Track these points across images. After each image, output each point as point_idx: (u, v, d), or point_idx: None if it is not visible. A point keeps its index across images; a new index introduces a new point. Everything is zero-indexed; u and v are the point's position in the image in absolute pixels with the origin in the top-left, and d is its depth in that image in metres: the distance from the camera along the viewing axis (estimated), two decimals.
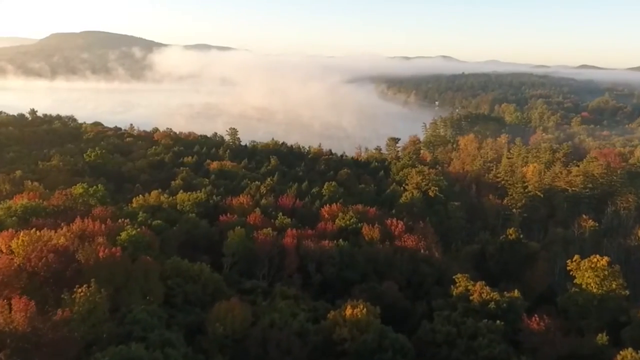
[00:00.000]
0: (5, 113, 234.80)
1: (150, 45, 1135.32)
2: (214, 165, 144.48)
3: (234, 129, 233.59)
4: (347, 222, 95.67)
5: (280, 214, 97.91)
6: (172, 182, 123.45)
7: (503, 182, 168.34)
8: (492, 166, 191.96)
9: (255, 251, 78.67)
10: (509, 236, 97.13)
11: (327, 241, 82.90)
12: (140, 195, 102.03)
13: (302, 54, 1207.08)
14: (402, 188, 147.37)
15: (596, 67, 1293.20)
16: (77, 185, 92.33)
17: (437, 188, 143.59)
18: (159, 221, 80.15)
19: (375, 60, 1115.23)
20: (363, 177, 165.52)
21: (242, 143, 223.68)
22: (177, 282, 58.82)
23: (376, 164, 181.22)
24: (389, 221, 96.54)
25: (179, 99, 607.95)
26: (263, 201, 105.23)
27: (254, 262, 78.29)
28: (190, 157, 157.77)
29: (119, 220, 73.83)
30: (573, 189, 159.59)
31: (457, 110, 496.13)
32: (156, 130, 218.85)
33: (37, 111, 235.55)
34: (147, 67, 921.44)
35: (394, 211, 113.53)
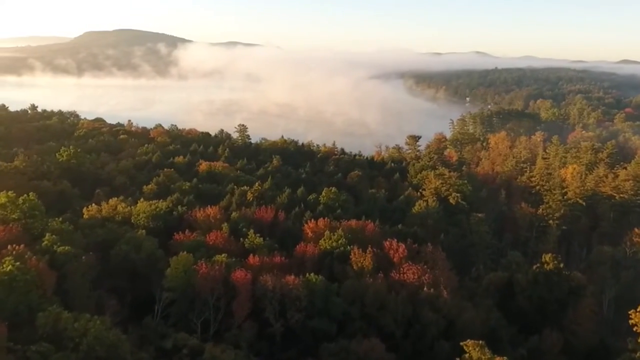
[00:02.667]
0: (7, 107, 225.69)
1: (177, 42, 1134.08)
2: (203, 166, 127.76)
3: (243, 125, 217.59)
4: (334, 243, 76.89)
5: (252, 231, 79.61)
6: (145, 186, 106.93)
7: (538, 186, 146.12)
8: (526, 167, 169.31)
9: (197, 288, 61.01)
10: (545, 265, 76.16)
11: (292, 276, 63.94)
12: (94, 205, 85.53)
13: (329, 49, 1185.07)
14: (418, 194, 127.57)
15: (638, 62, 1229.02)
16: (1, 194, 76.24)
17: (459, 194, 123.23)
18: (66, 247, 62.58)
19: (404, 55, 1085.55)
20: (377, 180, 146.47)
21: (252, 141, 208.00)
22: (41, 351, 41.00)
23: (392, 164, 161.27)
24: (388, 243, 77.03)
25: (201, 95, 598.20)
26: (233, 214, 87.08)
27: (194, 303, 60.61)
28: (181, 157, 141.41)
29: (9, 247, 57.01)
30: (621, 195, 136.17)
31: (488, 106, 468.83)
32: (159, 126, 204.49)
33: (37, 107, 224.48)
34: (173, 63, 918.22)
35: (400, 226, 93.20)
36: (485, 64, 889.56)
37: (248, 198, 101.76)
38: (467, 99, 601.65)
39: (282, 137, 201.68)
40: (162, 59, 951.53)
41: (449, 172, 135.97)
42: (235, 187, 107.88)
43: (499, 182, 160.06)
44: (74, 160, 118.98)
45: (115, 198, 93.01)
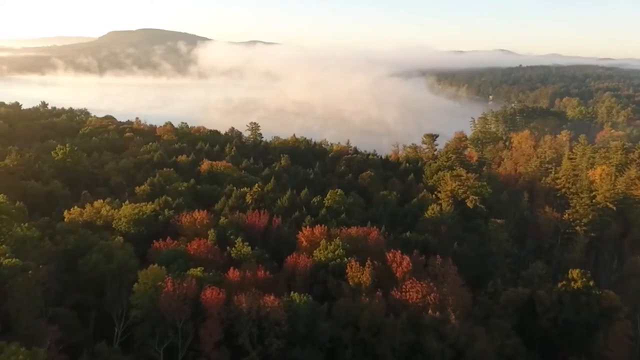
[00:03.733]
0: (20, 105, 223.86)
1: (197, 41, 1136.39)
2: (204, 165, 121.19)
3: (255, 123, 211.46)
4: (330, 254, 68.98)
5: (239, 240, 72.11)
6: (137, 187, 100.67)
7: (564, 189, 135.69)
8: (551, 168, 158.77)
9: (162, 310, 53.80)
10: (573, 282, 67.02)
11: (271, 296, 55.99)
12: (76, 207, 79.38)
13: (349, 47, 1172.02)
14: (433, 196, 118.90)
15: None
16: None
17: (477, 197, 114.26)
18: (13, 260, 55.26)
19: (426, 53, 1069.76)
20: (390, 181, 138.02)
21: (265, 139, 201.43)
22: None
23: (407, 165, 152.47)
24: (391, 255, 68.77)
25: (220, 94, 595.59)
26: (222, 220, 79.71)
27: (159, 326, 53.43)
28: (184, 156, 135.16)
29: None
30: None
31: (512, 104, 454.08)
32: (169, 123, 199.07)
33: (47, 104, 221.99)
34: (193, 61, 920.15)
35: (407, 234, 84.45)
36: (510, 62, 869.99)
37: (247, 200, 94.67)
38: (490, 97, 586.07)
39: (294, 135, 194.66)
40: (182, 57, 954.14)
41: (467, 173, 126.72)
42: (235, 188, 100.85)
43: (522, 183, 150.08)
44: (69, 159, 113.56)
45: (101, 200, 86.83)
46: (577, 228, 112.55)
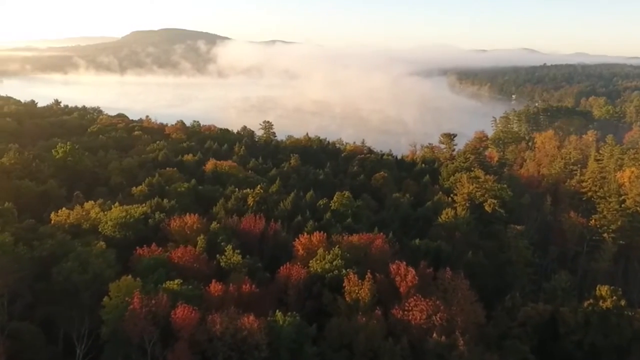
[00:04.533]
0: (36, 103, 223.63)
1: (217, 40, 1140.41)
2: (209, 165, 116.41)
3: (268, 122, 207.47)
4: (327, 265, 62.95)
5: (230, 247, 66.47)
6: (134, 188, 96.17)
7: (590, 192, 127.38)
8: (576, 170, 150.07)
9: (127, 329, 48.41)
10: (601, 301, 59.89)
11: (251, 316, 50.08)
12: (64, 209, 75.07)
13: (369, 46, 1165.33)
14: (449, 199, 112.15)
15: None
16: None
17: (496, 201, 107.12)
18: None
19: (447, 52, 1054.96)
20: (405, 183, 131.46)
21: (279, 138, 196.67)
22: None
23: (423, 165, 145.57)
24: (395, 266, 62.41)
25: (238, 92, 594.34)
26: (213, 225, 74.17)
27: (124, 348, 48.17)
28: (190, 155, 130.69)
29: None
30: None
31: (535, 103, 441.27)
32: (180, 122, 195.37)
33: (60, 102, 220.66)
34: (212, 60, 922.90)
35: (417, 241, 77.62)
36: (534, 61, 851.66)
37: (248, 203, 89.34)
38: (513, 96, 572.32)
39: (307, 134, 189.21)
40: (201, 56, 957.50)
41: (485, 174, 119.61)
42: (236, 189, 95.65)
43: (545, 186, 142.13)
44: (70, 157, 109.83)
45: (92, 201, 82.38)
46: (605, 235, 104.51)
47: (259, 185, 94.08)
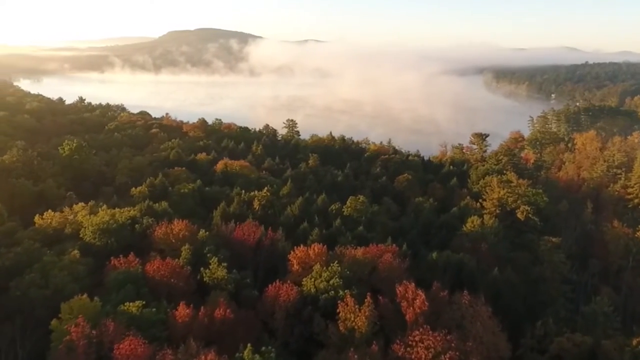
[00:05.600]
0: (64, 100, 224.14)
1: (249, 39, 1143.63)
2: (220, 165, 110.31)
3: (291, 120, 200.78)
4: (322, 284, 54.77)
5: (215, 259, 59.06)
6: (133, 189, 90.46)
7: (636, 199, 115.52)
8: (621, 174, 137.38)
9: None
10: None
11: (210, 354, 41.59)
12: (50, 211, 69.64)
13: (403, 44, 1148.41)
14: (478, 204, 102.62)
15: None
16: None
17: (529, 207, 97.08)
18: None
19: (484, 50, 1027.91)
20: (431, 186, 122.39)
21: (303, 137, 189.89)
22: None
23: (451, 167, 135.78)
24: (402, 288, 53.63)
25: (269, 91, 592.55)
26: (201, 233, 67.02)
27: None
28: (204, 154, 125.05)
29: None
30: None
31: (577, 103, 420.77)
32: (202, 119, 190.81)
33: (84, 99, 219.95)
34: (244, 59, 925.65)
35: (434, 255, 68.31)
36: (575, 59, 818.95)
37: (254, 206, 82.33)
38: (553, 95, 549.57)
39: (330, 133, 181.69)
40: (234, 55, 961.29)
41: (518, 178, 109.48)
42: (243, 191, 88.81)
43: (585, 191, 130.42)
44: (76, 155, 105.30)
45: (82, 203, 76.94)
46: None
47: (265, 188, 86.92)
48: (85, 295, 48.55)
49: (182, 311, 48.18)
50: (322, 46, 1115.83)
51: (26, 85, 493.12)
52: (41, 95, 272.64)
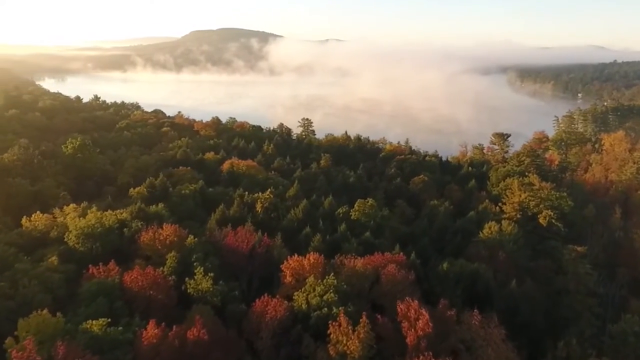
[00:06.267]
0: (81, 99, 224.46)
1: (270, 38, 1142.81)
2: (226, 164, 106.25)
3: (307, 119, 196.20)
4: (315, 299, 49.70)
5: (200, 269, 54.43)
6: (131, 189, 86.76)
7: None
8: None
9: None
10: None
11: None
12: (38, 213, 66.20)
13: (425, 44, 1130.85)
14: (497, 208, 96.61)
15: None
16: None
17: (553, 212, 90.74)
18: None
19: (508, 48, 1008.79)
20: (448, 188, 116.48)
21: (318, 137, 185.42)
22: None
23: (470, 169, 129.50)
24: (403, 306, 48.13)
25: (289, 90, 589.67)
26: (189, 240, 62.39)
27: None
28: (212, 154, 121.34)
29: None
30: None
31: (604, 102, 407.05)
32: (215, 119, 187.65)
33: (99, 97, 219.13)
34: (264, 58, 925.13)
35: (445, 265, 62.26)
36: (603, 58, 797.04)
37: (256, 209, 77.88)
38: (579, 94, 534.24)
39: (345, 133, 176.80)
40: (254, 54, 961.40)
41: (541, 181, 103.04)
42: (246, 193, 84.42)
43: (614, 194, 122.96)
44: (79, 154, 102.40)
45: (73, 204, 73.45)
46: None
47: (268, 190, 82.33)
48: (45, 311, 44.46)
49: (151, 331, 43.45)
50: (343, 45, 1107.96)
51: (50, 84, 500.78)
52: (60, 93, 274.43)
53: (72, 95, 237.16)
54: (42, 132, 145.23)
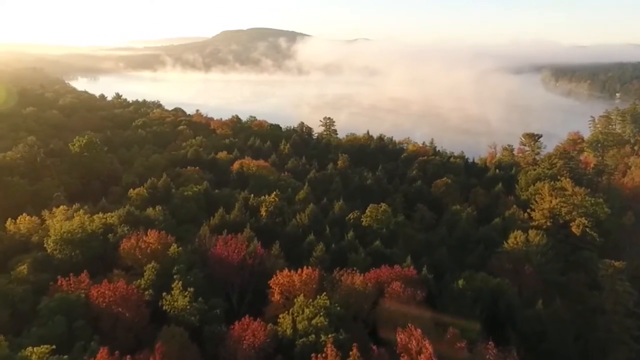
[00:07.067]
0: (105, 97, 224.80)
1: (298, 37, 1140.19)
2: (236, 165, 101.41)
3: (329, 118, 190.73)
4: (302, 324, 43.50)
5: (178, 284, 48.88)
6: (130, 190, 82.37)
7: None
8: None
9: None
10: None
11: None
12: (25, 215, 62.28)
13: (456, 42, 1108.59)
14: (525, 215, 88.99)
15: None
16: None
17: (587, 220, 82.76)
18: None
19: (543, 47, 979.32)
20: (473, 191, 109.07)
21: (340, 136, 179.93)
22: None
23: (497, 171, 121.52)
24: (403, 336, 40.87)
25: (315, 89, 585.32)
26: (173, 249, 56.77)
27: None
28: (225, 153, 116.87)
29: None
30: None
31: None
32: (235, 117, 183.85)
33: (121, 95, 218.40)
34: (292, 58, 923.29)
35: (460, 282, 54.51)
36: None
37: (260, 213, 72.58)
38: (617, 94, 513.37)
39: (367, 132, 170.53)
40: (281, 53, 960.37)
41: (575, 186, 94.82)
42: (252, 195, 79.19)
43: None
44: (86, 152, 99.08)
45: (63, 206, 69.38)
46: None
47: (274, 193, 76.75)
48: None
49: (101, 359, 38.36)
50: (371, 44, 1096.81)
51: (83, 83, 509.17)
52: (86, 92, 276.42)
53: (102, 93, 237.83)
54: (57, 130, 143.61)
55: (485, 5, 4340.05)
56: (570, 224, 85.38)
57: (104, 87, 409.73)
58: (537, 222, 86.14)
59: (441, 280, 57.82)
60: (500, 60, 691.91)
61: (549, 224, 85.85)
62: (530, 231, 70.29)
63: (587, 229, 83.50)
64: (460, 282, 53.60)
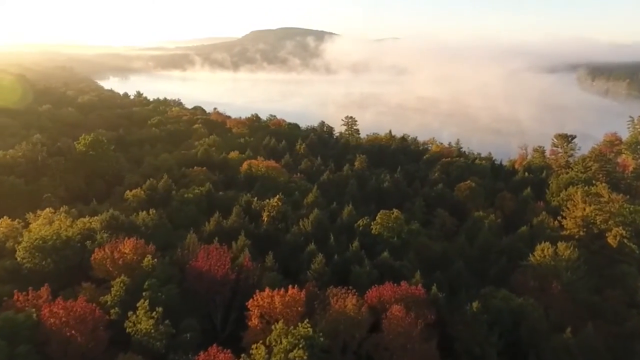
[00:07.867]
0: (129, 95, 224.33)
1: (326, 36, 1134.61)
2: (244, 165, 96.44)
3: (351, 117, 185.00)
4: (279, 356, 37.39)
5: (144, 303, 43.34)
6: (127, 192, 78.09)
7: None
8: None
9: None
10: None
11: None
12: (6, 218, 58.34)
13: (488, 40, 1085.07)
14: (556, 223, 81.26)
15: None
16: None
17: (624, 230, 74.65)
18: None
19: (579, 44, 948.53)
20: (499, 196, 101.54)
21: (362, 136, 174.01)
22: None
23: (526, 174, 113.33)
24: None
25: (342, 88, 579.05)
26: (147, 260, 51.28)
27: None
28: (236, 153, 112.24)
29: None
30: None
31: None
32: (254, 116, 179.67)
33: (142, 94, 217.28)
34: (320, 57, 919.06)
35: (475, 305, 46.78)
36: None
37: (262, 218, 67.24)
38: None
39: (390, 132, 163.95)
40: (309, 52, 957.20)
41: (611, 192, 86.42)
42: (255, 198, 73.90)
43: None
44: (91, 151, 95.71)
45: (49, 209, 65.32)
46: None
47: (277, 197, 71.19)
48: None
49: None
50: (400, 43, 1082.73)
51: (114, 82, 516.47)
52: (112, 90, 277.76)
53: (126, 92, 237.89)
54: (72, 128, 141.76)
55: (520, 2, 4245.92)
56: (606, 234, 77.29)
57: (134, 85, 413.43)
58: (568, 232, 78.45)
59: (455, 298, 51.35)
60: (534, 58, 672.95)
61: (581, 233, 78.04)
62: (559, 243, 62.84)
63: (625, 240, 75.31)
64: (475, 304, 46.95)
